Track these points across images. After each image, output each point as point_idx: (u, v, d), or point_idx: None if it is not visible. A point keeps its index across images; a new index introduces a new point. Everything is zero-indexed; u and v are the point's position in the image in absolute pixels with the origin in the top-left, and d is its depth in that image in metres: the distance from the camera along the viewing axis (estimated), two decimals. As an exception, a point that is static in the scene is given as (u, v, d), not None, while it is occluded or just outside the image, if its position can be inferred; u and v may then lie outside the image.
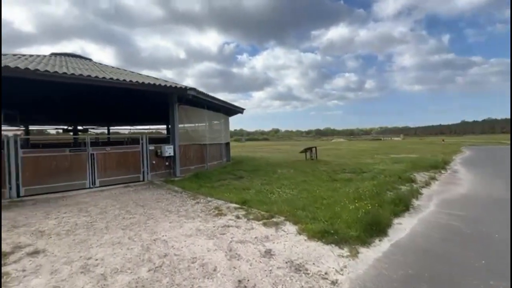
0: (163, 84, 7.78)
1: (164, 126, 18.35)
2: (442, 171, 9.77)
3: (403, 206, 4.76)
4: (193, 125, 10.15)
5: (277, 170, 10.64)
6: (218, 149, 12.08)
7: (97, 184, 7.17)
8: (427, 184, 7.30)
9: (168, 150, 8.60)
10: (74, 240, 3.56)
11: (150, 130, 19.24)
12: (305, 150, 14.98)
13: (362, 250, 3.16)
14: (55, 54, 11.08)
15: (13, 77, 6.00)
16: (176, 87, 8.08)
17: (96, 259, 2.99)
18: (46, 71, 5.93)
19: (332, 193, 6.17)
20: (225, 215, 4.59)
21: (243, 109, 14.05)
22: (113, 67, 11.75)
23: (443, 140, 40.33)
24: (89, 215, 4.70)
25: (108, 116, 15.99)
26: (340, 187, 6.80)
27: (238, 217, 4.45)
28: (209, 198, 5.85)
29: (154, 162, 8.35)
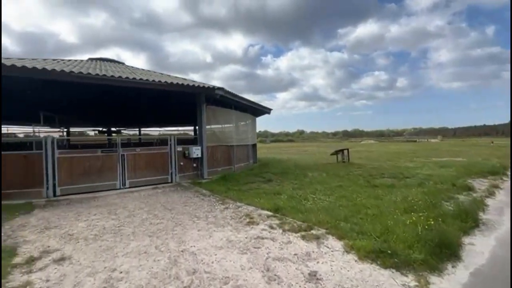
0: (191, 84, 7.62)
1: (191, 128, 18.57)
2: (504, 178, 8.43)
3: (471, 221, 3.94)
4: (220, 126, 9.92)
5: (308, 173, 10.02)
6: (245, 151, 11.76)
7: (127, 185, 7.17)
8: (490, 193, 6.23)
9: (196, 151, 8.43)
10: (100, 247, 3.36)
11: (178, 132, 19.63)
12: (336, 152, 14.10)
13: (434, 279, 2.52)
14: (91, 59, 11.59)
15: (51, 80, 6.18)
16: (204, 87, 7.88)
17: (121, 272, 2.72)
18: (80, 72, 6.01)
19: (376, 201, 5.46)
20: (257, 224, 4.15)
21: (270, 110, 13.61)
22: (143, 69, 12.00)
23: (492, 142, 36.17)
24: (117, 218, 4.56)
25: (138, 118, 16.53)
26: (383, 195, 6.04)
27: (272, 227, 3.99)
28: (238, 203, 5.48)
29: (182, 163, 8.22)
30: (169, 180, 7.90)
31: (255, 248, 3.24)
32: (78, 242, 3.54)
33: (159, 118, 16.66)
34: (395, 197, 5.62)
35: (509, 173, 9.35)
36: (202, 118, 8.67)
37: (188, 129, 20.10)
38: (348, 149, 14.43)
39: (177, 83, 7.41)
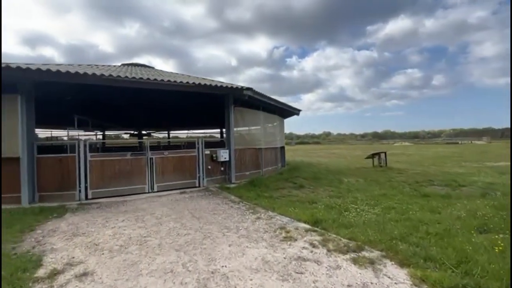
0: (219, 85, 7.33)
1: (217, 130, 18.54)
2: None
3: None
4: (247, 128, 9.53)
5: (343, 178, 9.23)
6: (273, 154, 11.25)
7: (155, 189, 7.04)
8: None
9: (224, 155, 8.11)
10: (125, 261, 3.06)
11: (204, 134, 19.73)
12: (372, 156, 13.01)
13: None
14: (124, 64, 11.94)
15: (84, 84, 6.23)
16: (232, 87, 7.55)
17: (144, 296, 2.36)
18: (110, 75, 5.98)
19: (433, 215, 4.63)
20: (296, 239, 3.61)
21: (299, 110, 12.97)
22: (172, 72, 12.07)
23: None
24: (144, 226, 4.31)
25: (167, 120, 16.84)
26: (440, 207, 5.15)
27: (313, 244, 3.43)
28: (270, 213, 4.97)
29: (209, 167, 7.95)
30: (197, 184, 7.66)
31: (297, 273, 2.71)
32: (103, 253, 3.29)
33: (186, 121, 16.82)
34: (458, 211, 4.72)
35: None
36: (230, 120, 8.34)
37: (214, 132, 20.15)
38: (385, 152, 13.25)
39: (205, 84, 7.16)
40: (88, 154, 6.34)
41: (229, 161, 8.33)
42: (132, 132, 17.22)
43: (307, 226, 4.14)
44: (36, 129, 7.16)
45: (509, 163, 13.14)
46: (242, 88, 7.68)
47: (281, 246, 3.40)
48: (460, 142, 55.65)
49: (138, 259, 3.12)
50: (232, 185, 7.79)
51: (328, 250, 3.24)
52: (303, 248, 3.33)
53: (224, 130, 19.22)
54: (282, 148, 12.68)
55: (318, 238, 3.65)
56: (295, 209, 5.16)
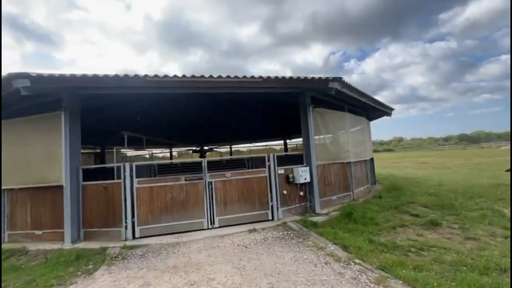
0: (295, 77, 5.22)
1: (280, 142, 16.44)
2: None
3: None
4: (329, 135, 7.05)
5: (494, 206, 5.77)
6: (363, 169, 8.39)
7: (216, 223, 5.23)
8: None
9: (303, 174, 5.84)
10: None
11: (265, 147, 17.86)
12: (519, 167, 8.69)
13: None
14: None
15: (135, 94, 5.00)
16: (313, 79, 5.33)
17: None
18: (156, 76, 4.53)
19: None
20: None
21: (392, 109, 9.80)
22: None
23: None
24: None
25: (228, 133, 15.68)
26: None
27: None
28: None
29: (285, 191, 5.77)
30: (269, 217, 5.55)
31: None
32: None
33: (247, 133, 15.31)
34: None
35: None
36: (309, 125, 6.09)
37: (275, 144, 18.07)
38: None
39: (276, 77, 5.15)
40: (135, 180, 4.99)
41: (311, 182, 6.01)
42: (194, 148, 16.71)
43: None
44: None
45: None
46: (326, 80, 5.38)
47: None
48: None
49: None
50: (319, 219, 5.40)
51: None
52: None
53: (288, 141, 17.29)
54: (372, 160, 9.65)
55: None
56: (463, 285, 2.45)
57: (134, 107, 8.21)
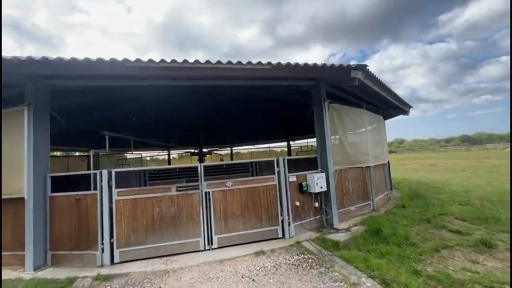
0: (310, 64, 4.28)
1: (283, 144, 15.47)
2: None
3: None
4: (345, 135, 6.09)
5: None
6: (382, 174, 7.44)
7: (215, 243, 4.27)
8: None
9: (319, 182, 4.88)
10: None
11: (267, 149, 16.87)
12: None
13: None
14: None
15: (118, 90, 4.07)
16: (332, 66, 4.38)
17: None
18: (138, 59, 3.59)
19: None
20: None
21: (410, 107, 8.87)
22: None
23: None
24: None
25: (229, 133, 14.71)
26: None
27: None
28: None
29: (297, 203, 4.81)
30: (279, 234, 4.59)
31: None
32: None
33: (251, 133, 14.35)
34: None
35: None
36: (325, 123, 5.15)
37: (277, 146, 17.06)
38: None
39: (288, 63, 4.21)
40: (115, 191, 4.03)
41: (328, 191, 5.06)
42: (192, 150, 15.73)
43: None
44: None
45: None
46: (348, 68, 4.44)
47: None
48: None
49: None
50: (340, 236, 4.43)
51: None
52: None
53: (291, 143, 16.30)
54: (388, 164, 8.69)
55: None
56: None
57: (128, 106, 7.31)
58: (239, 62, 3.95)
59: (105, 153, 11.55)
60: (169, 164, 16.22)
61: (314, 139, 12.10)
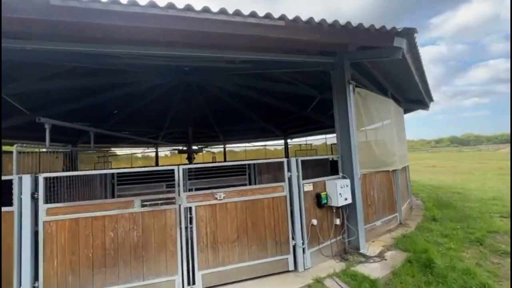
0: (341, 23, 2.94)
1: (280, 142, 14.11)
2: None
3: None
4: (372, 129, 4.82)
5: None
6: (404, 179, 6.22)
7: (199, 283, 2.91)
8: None
9: (343, 192, 3.59)
10: None
11: (263, 147, 15.50)
12: None
13: None
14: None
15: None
16: (371, 27, 3.04)
17: None
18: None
19: None
20: None
21: (432, 100, 7.70)
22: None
23: None
24: None
25: (222, 129, 13.21)
26: None
27: None
28: None
29: (314, 221, 3.49)
30: (291, 266, 3.26)
31: None
32: None
33: (245, 130, 12.97)
34: None
35: None
36: (349, 114, 3.84)
37: (273, 145, 15.67)
38: None
39: (311, 18, 2.86)
40: (42, 207, 2.61)
41: (353, 203, 3.77)
42: (180, 148, 14.22)
43: None
44: None
45: None
46: (392, 32, 3.13)
47: None
48: None
49: None
50: (373, 268, 3.15)
51: None
52: None
53: (289, 141, 14.89)
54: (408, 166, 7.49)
55: None
56: None
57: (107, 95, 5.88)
58: (237, 12, 2.56)
59: (81, 149, 10.01)
60: (157, 163, 14.67)
61: (314, 137, 10.67)
